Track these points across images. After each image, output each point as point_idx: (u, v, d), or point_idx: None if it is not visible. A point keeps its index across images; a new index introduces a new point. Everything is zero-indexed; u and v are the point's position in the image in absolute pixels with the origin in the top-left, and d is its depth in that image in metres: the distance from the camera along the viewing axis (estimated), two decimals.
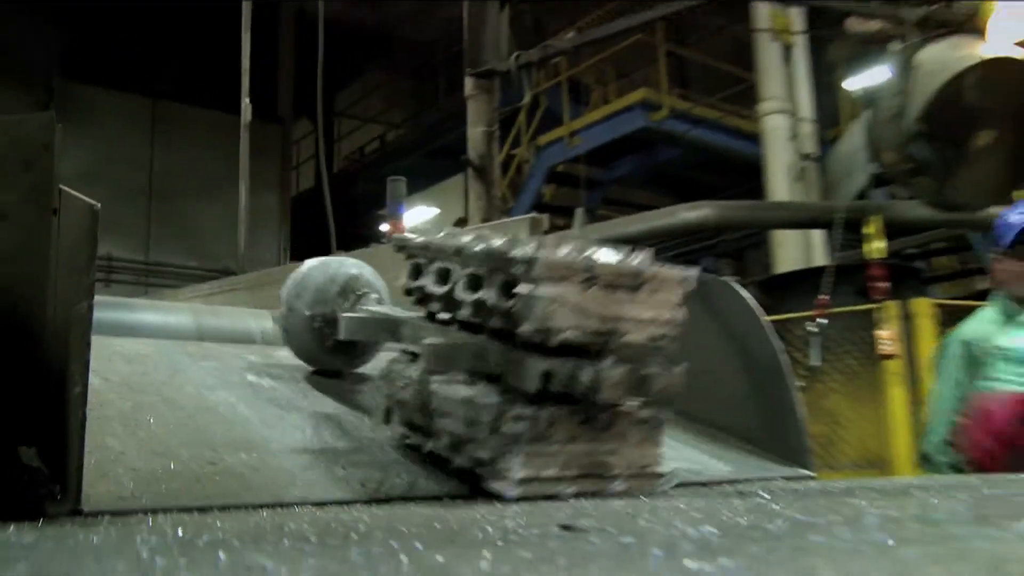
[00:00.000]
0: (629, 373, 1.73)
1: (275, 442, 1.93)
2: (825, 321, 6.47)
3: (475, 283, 1.84)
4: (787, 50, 9.68)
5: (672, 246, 12.45)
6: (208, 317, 2.92)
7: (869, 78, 10.08)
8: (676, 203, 13.39)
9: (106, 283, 14.28)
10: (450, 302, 1.92)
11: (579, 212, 10.12)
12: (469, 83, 4.99)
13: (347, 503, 1.64)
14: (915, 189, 6.32)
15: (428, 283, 1.99)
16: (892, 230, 8.16)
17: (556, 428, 1.71)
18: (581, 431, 1.75)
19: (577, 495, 1.67)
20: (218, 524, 1.12)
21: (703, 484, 2.05)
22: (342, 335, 2.23)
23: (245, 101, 6.99)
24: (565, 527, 0.90)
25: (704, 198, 11.55)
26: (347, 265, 2.38)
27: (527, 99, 4.76)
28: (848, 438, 7.07)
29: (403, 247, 2.14)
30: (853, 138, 8.97)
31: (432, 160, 15.88)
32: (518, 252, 1.68)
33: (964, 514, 0.99)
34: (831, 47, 10.78)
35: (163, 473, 1.63)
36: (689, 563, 0.58)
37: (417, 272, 2.07)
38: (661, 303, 1.80)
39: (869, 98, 6.23)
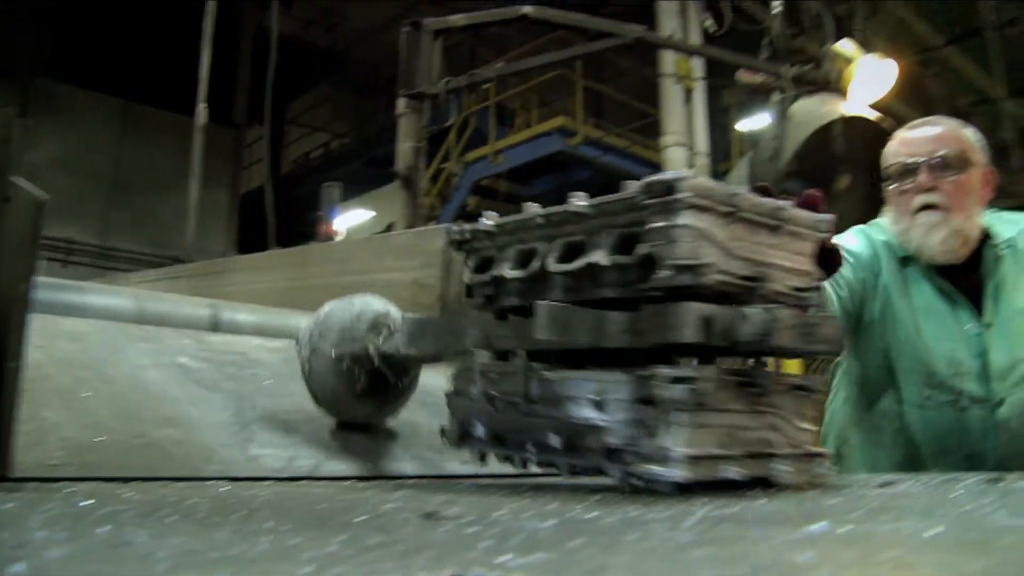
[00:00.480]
0: (798, 318, 1.35)
1: (199, 420, 1.91)
2: None
3: (572, 252, 1.47)
4: (688, 93, 9.85)
5: None
6: (149, 302, 2.86)
7: (754, 122, 10.35)
8: None
9: (64, 264, 13.95)
10: (535, 287, 1.53)
11: None
12: (401, 103, 4.99)
13: (258, 479, 1.62)
14: None
15: (504, 270, 1.58)
16: None
17: (717, 395, 1.31)
18: (739, 399, 1.36)
19: (744, 485, 1.29)
20: (128, 496, 1.11)
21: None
22: (403, 341, 1.78)
23: (201, 106, 6.95)
24: (428, 515, 0.88)
25: None
26: (371, 302, 2.00)
27: (453, 120, 4.78)
28: None
29: (463, 241, 1.72)
30: (740, 172, 9.15)
31: (371, 168, 15.82)
32: (651, 179, 1.33)
33: (775, 515, 0.97)
34: (726, 93, 11.00)
35: (92, 445, 1.60)
36: (503, 557, 0.59)
37: (485, 264, 1.67)
38: (799, 251, 1.47)
39: (752, 140, 6.41)
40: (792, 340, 1.33)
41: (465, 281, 1.69)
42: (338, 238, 7.07)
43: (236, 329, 2.86)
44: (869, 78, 5.34)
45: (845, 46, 5.62)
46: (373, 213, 16.75)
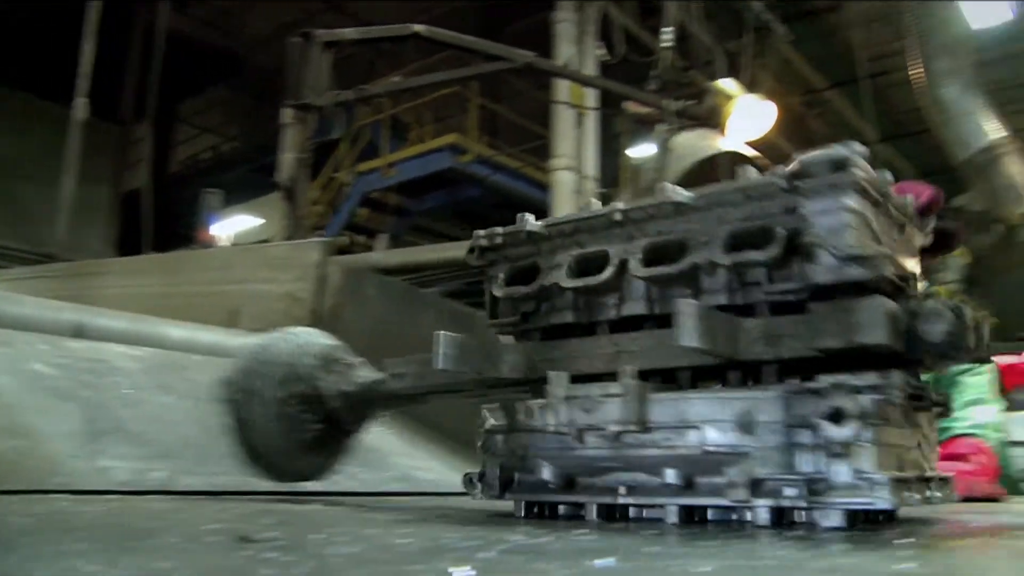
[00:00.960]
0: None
1: (48, 430, 1.86)
2: None
3: (659, 254, 1.25)
4: (580, 118, 10.02)
5: (469, 274, 12.60)
6: (6, 304, 2.78)
7: (644, 150, 10.61)
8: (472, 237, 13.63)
9: None
10: (601, 299, 1.32)
11: (382, 237, 10.15)
12: (287, 113, 4.96)
13: (103, 493, 1.59)
14: None
15: (560, 278, 1.36)
16: None
17: (896, 409, 1.10)
18: (904, 416, 1.15)
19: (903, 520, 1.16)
20: None
21: (430, 494, 2.00)
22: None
23: (81, 101, 6.81)
24: (242, 538, 0.87)
25: None
26: (314, 334, 1.71)
27: (339, 134, 4.71)
28: None
29: (490, 247, 1.49)
30: (627, 199, 9.33)
31: (261, 174, 15.53)
32: (810, 156, 1.14)
33: (580, 547, 0.97)
34: (618, 120, 11.23)
35: None
36: None
37: (525, 274, 1.44)
38: (914, 253, 1.28)
39: (636, 168, 6.59)
40: (984, 343, 1.14)
41: (496, 294, 1.46)
42: (222, 244, 6.95)
43: (101, 335, 2.80)
44: (748, 117, 5.56)
45: (727, 84, 5.83)
46: (262, 220, 16.49)
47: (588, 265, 1.35)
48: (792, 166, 1.15)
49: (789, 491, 1.07)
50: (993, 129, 3.26)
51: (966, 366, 3.03)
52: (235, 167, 17.03)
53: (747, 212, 1.20)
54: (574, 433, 1.25)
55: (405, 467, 2.42)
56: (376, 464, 2.31)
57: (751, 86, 9.35)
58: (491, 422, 1.41)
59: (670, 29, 7.10)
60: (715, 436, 1.12)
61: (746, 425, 1.09)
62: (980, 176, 3.32)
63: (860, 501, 1.03)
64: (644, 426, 1.18)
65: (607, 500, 1.22)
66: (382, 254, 8.66)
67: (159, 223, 7.36)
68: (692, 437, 1.14)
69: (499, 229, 1.50)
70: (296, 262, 3.36)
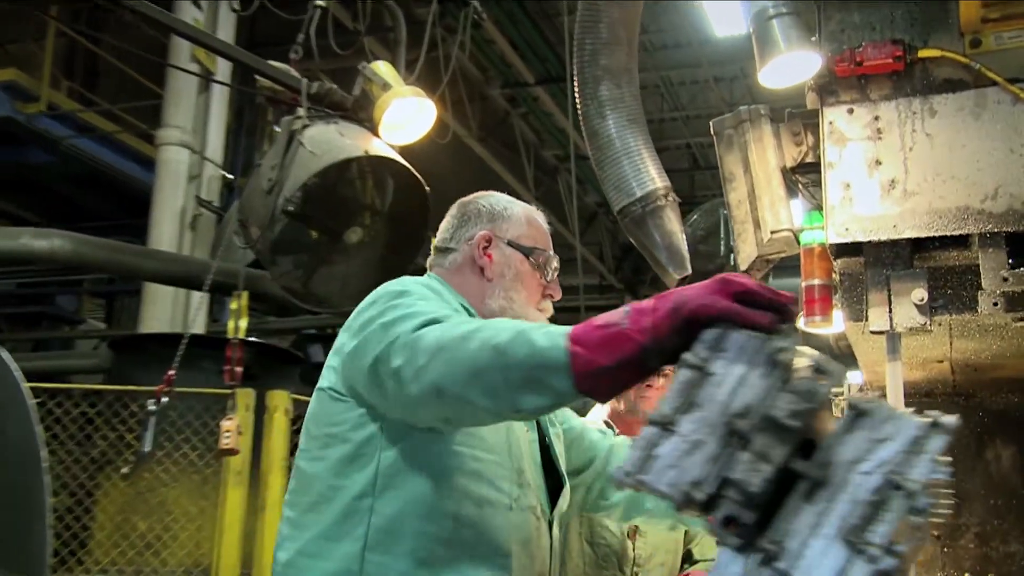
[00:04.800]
0: None
1: None
2: (165, 400, 6.23)
3: None
4: (206, 80, 9.73)
5: (24, 273, 11.93)
6: None
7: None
8: (44, 221, 12.80)
9: None
10: None
11: None
12: None
13: None
14: (275, 272, 6.49)
15: None
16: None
17: None
18: None
19: None
20: None
21: None
22: None
23: None
24: None
25: (80, 222, 11.17)
26: None
27: None
28: (182, 538, 7.13)
29: None
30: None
31: None
32: None
33: None
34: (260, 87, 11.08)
35: None
36: None
37: None
38: None
39: (257, 163, 6.39)
40: None
41: None
42: None
43: None
44: (403, 117, 5.60)
45: (384, 68, 5.81)
46: None
47: None
48: None
49: None
50: (655, 175, 3.51)
51: None
52: None
53: None
54: None
55: None
56: None
57: (441, 66, 9.40)
58: None
59: None
60: None
61: None
62: (638, 229, 3.57)
63: None
64: None
65: None
66: None
67: None
68: None
69: None
70: None
